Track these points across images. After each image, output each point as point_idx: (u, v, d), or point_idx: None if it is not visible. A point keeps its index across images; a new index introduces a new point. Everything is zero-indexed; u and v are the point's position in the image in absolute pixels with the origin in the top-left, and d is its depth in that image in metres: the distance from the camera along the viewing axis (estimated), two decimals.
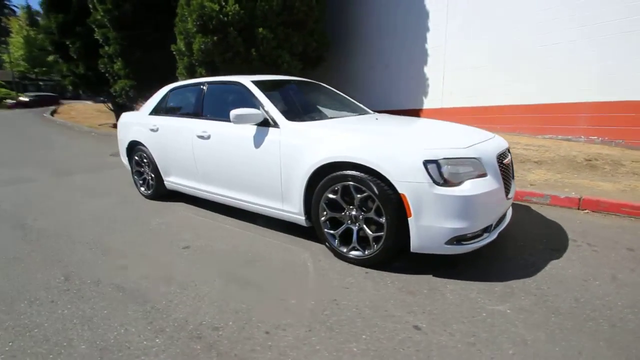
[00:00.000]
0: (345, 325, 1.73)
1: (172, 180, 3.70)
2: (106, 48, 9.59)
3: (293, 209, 2.61)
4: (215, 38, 7.04)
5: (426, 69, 7.72)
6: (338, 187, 2.29)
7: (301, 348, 1.59)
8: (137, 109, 11.81)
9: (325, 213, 2.42)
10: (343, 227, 2.37)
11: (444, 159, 2.01)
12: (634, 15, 4.78)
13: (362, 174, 2.16)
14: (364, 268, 2.28)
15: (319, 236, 2.51)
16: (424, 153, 2.02)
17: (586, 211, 3.27)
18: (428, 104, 7.80)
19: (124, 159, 4.44)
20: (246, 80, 3.05)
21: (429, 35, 7.55)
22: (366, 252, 2.26)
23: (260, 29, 7.11)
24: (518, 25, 6.02)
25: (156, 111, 3.89)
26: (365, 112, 3.43)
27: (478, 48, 6.64)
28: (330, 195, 2.34)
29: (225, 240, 2.83)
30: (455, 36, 7.05)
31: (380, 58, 8.59)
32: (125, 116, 4.39)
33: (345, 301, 1.93)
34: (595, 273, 2.18)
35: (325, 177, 2.33)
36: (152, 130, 3.75)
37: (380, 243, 2.17)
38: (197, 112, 3.35)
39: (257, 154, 2.70)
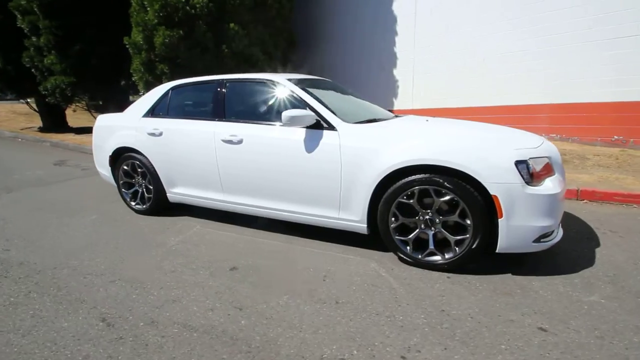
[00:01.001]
0: (476, 338, 1.64)
1: (179, 192, 3.23)
2: (33, 39, 8.11)
3: (353, 217, 2.44)
4: (181, 32, 6.40)
5: (395, 72, 7.99)
6: (415, 191, 2.20)
7: None
8: (73, 110, 10.23)
9: (394, 219, 2.30)
10: (416, 232, 2.28)
11: (531, 158, 2.06)
12: (583, 30, 5.52)
13: (444, 177, 2.10)
14: (443, 273, 2.22)
15: (387, 244, 2.38)
16: (515, 154, 2.04)
17: (585, 201, 3.67)
18: (398, 105, 8.09)
19: (102, 170, 3.76)
20: (281, 78, 2.78)
21: (397, 40, 7.83)
22: (446, 257, 2.21)
23: (232, 24, 6.66)
24: (482, 33, 6.54)
25: (153, 113, 3.35)
26: (388, 114, 3.37)
27: (445, 54, 7.07)
28: (404, 200, 2.24)
29: (272, 255, 2.55)
30: (423, 41, 7.40)
31: (348, 60, 8.67)
32: (106, 119, 3.71)
33: (454, 311, 1.85)
34: (637, 257, 2.43)
35: (396, 181, 2.23)
36: (152, 134, 3.22)
37: (464, 246, 2.14)
38: (217, 114, 2.95)
39: (310, 159, 2.47)
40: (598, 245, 2.62)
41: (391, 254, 2.50)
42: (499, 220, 2.02)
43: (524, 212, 2.00)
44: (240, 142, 2.74)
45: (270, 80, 2.81)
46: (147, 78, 7.06)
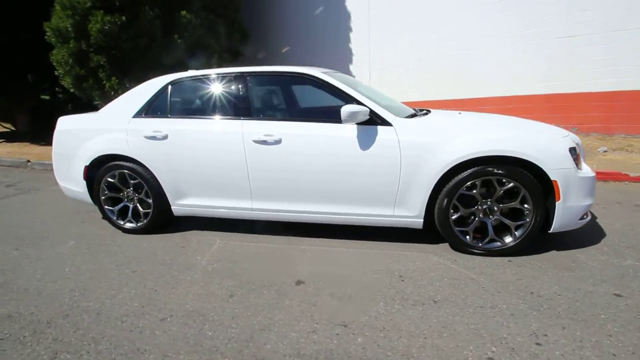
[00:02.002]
0: (578, 313, 1.76)
1: (189, 204, 2.78)
2: None
3: (409, 213, 2.41)
4: (123, 18, 5.50)
5: (352, 67, 8.13)
6: (477, 182, 2.26)
7: (602, 342, 1.55)
8: None
9: (453, 211, 2.34)
10: (475, 221, 2.36)
11: (577, 145, 2.28)
12: (530, 29, 6.28)
13: (508, 167, 2.19)
14: (504, 258, 2.34)
15: (446, 236, 2.41)
16: (567, 142, 2.23)
17: None
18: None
19: (69, 184, 3.05)
20: (315, 71, 2.57)
21: (352, 35, 7.96)
22: (506, 242, 2.33)
23: (184, 12, 5.98)
24: (439, 32, 7.02)
25: (148, 112, 2.81)
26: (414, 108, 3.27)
27: (400, 50, 7.43)
28: (466, 192, 2.29)
29: (328, 262, 2.38)
30: (378, 38, 7.65)
31: (300, 53, 8.52)
32: (74, 121, 2.99)
33: (541, 292, 1.96)
34: (629, 222, 2.89)
35: (458, 174, 2.26)
36: (151, 138, 2.70)
37: (525, 230, 2.28)
38: (242, 112, 2.61)
39: (365, 157, 2.35)
40: (595, 217, 3.06)
41: (441, 245, 2.55)
42: (557, 202, 2.21)
43: (575, 194, 2.22)
44: (277, 142, 2.47)
45: (305, 74, 2.58)
46: (78, 72, 5.93)
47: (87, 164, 2.86)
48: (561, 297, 1.91)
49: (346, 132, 2.39)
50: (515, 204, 2.27)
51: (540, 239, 2.48)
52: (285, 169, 2.51)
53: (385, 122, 2.36)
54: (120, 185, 2.89)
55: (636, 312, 1.76)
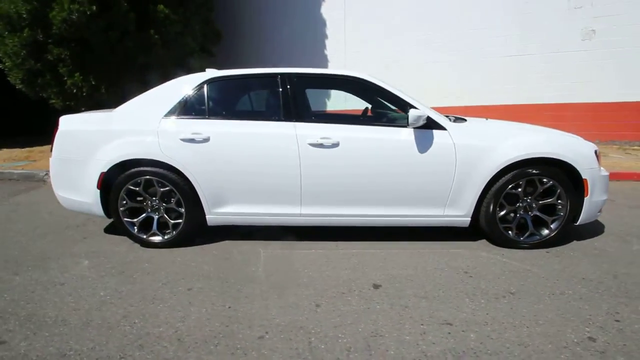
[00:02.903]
0: (638, 293, 2.03)
1: (228, 212, 2.58)
2: None
3: (458, 213, 2.55)
4: (94, 7, 4.91)
5: None
6: (521, 181, 2.48)
7: None
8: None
9: (499, 209, 2.53)
10: (517, 218, 2.57)
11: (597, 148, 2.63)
12: (488, 48, 7.00)
13: (548, 167, 2.44)
14: (541, 249, 2.58)
15: (491, 232, 2.58)
16: (593, 145, 2.55)
17: None
18: (331, 106, 8.39)
19: (75, 195, 2.64)
20: (362, 74, 2.58)
21: (328, 43, 8.09)
22: (544, 234, 2.58)
23: (161, 6, 5.54)
24: (402, 46, 7.45)
25: (181, 112, 2.55)
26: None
27: (374, 61, 7.74)
28: (511, 190, 2.50)
29: (397, 264, 2.39)
30: (353, 48, 7.86)
31: (276, 59, 8.39)
32: (85, 122, 2.60)
33: (592, 276, 2.20)
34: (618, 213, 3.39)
35: (505, 174, 2.46)
36: (189, 140, 2.45)
37: (560, 223, 2.55)
38: (292, 114, 2.50)
39: (423, 160, 2.43)
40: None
41: (478, 242, 2.73)
42: (585, 198, 2.52)
43: (597, 190, 2.55)
44: (334, 145, 2.43)
45: (350, 77, 2.60)
46: (32, 66, 5.12)
47: (105, 170, 2.50)
48: (616, 279, 2.17)
49: (404, 135, 2.45)
50: (552, 200, 2.54)
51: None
52: (342, 172, 2.48)
53: (440, 127, 2.48)
54: (144, 193, 2.58)
55: None
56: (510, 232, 2.58)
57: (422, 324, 1.77)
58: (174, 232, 2.62)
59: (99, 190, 2.56)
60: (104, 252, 2.62)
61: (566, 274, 2.25)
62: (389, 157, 2.45)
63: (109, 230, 3.07)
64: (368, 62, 7.74)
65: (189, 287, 2.13)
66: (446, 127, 2.48)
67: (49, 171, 2.79)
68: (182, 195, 2.54)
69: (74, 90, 5.31)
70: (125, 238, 2.79)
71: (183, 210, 2.57)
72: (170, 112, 2.55)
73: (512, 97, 6.95)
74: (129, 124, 2.55)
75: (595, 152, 2.57)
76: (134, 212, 2.63)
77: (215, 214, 2.61)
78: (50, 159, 2.66)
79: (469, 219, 2.58)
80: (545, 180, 2.49)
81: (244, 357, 1.55)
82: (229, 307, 1.92)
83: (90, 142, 2.54)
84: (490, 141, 2.47)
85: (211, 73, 2.62)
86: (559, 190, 2.51)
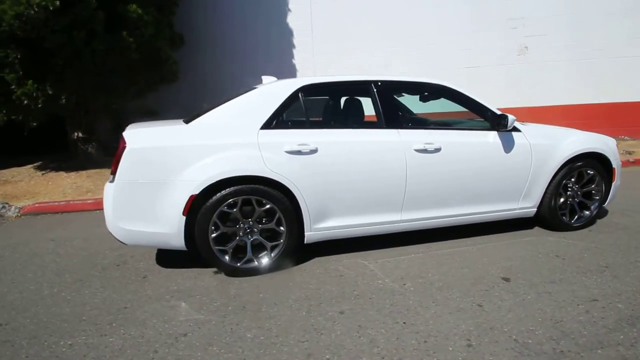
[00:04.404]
0: None
1: (329, 226, 2.43)
2: None
3: (529, 205, 2.87)
4: (57, 2, 4.05)
5: None
6: (574, 173, 2.91)
7: None
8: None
9: (557, 198, 2.92)
10: (569, 204, 3.00)
11: None
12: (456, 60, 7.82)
13: (587, 160, 2.92)
14: (584, 230, 3.04)
15: (551, 220, 2.94)
16: (614, 140, 3.12)
17: None
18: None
19: (148, 227, 2.16)
20: (445, 82, 2.72)
21: (295, 52, 8.04)
22: (586, 215, 3.04)
23: (134, 6, 4.86)
24: (373, 55, 7.87)
25: (278, 123, 2.31)
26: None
27: (343, 69, 7.99)
28: (565, 181, 2.90)
29: (499, 257, 2.55)
30: (322, 60, 7.94)
31: (238, 67, 7.99)
32: (162, 136, 2.16)
33: (631, 246, 2.70)
34: None
35: (563, 168, 2.86)
36: (296, 152, 2.24)
37: (597, 206, 3.05)
38: (391, 120, 2.49)
39: (508, 159, 2.67)
40: None
41: (536, 228, 3.09)
42: (613, 183, 3.08)
43: (618, 178, 3.15)
44: (437, 150, 2.50)
45: (442, 85, 2.73)
46: None
47: (197, 192, 2.11)
48: None
49: (491, 138, 2.66)
50: (593, 187, 3.04)
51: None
52: (442, 176, 2.56)
53: (516, 129, 2.76)
54: (239, 215, 2.25)
55: None
56: (564, 217, 3.01)
57: (578, 304, 1.97)
58: (273, 254, 2.35)
59: (184, 217, 2.15)
60: (192, 289, 2.21)
61: (615, 248, 2.71)
62: (481, 159, 2.64)
63: (161, 260, 2.59)
64: (339, 72, 7.95)
65: (339, 310, 1.95)
66: (521, 129, 2.78)
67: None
68: (283, 213, 2.30)
69: (25, 101, 4.25)
70: (192, 270, 2.41)
71: (284, 229, 2.33)
72: (267, 123, 2.29)
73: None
74: (220, 137, 2.21)
75: (615, 145, 3.18)
76: (223, 239, 2.28)
77: (316, 230, 2.43)
78: (111, 185, 2.14)
79: (536, 209, 2.92)
80: (589, 171, 2.98)
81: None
82: (404, 323, 1.84)
83: (173, 161, 2.13)
84: (553, 140, 2.86)
85: (303, 80, 2.44)
86: (597, 179, 3.02)
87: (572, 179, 2.95)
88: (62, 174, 5.01)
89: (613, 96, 7.27)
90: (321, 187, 2.35)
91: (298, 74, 8.14)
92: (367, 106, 2.64)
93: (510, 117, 2.59)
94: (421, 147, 2.49)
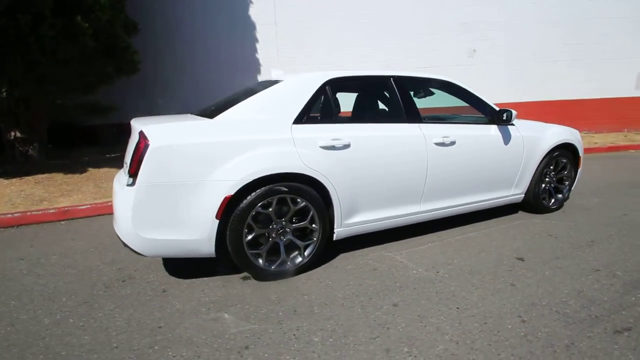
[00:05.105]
0: (637, 224, 3.03)
1: (357, 221, 2.43)
2: None
3: (519, 191, 3.18)
4: None
5: (260, 78, 7.93)
6: (552, 161, 3.28)
7: None
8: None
9: (540, 184, 3.27)
10: (548, 189, 3.37)
11: None
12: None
13: (560, 150, 3.32)
14: (558, 212, 3.46)
15: (536, 204, 3.28)
16: (577, 130, 3.58)
17: None
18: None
19: (176, 234, 1.94)
20: (449, 79, 2.86)
21: (259, 47, 7.78)
22: (560, 198, 3.46)
23: None
24: (337, 52, 7.95)
25: (308, 117, 2.21)
26: None
27: (307, 66, 7.93)
28: (546, 170, 3.26)
29: (505, 242, 2.78)
30: (286, 53, 7.80)
31: (199, 61, 7.49)
32: (185, 133, 1.91)
33: (606, 222, 3.15)
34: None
35: (546, 157, 3.21)
36: (329, 148, 2.18)
37: (570, 188, 3.48)
38: (411, 115, 2.55)
39: (506, 150, 2.92)
40: None
41: (519, 212, 3.43)
42: (579, 170, 3.54)
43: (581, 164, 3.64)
44: (452, 143, 2.63)
45: (448, 81, 2.86)
46: None
47: (232, 192, 1.94)
48: (611, 215, 3.20)
49: (493, 131, 2.88)
50: (566, 173, 3.46)
51: None
52: (457, 167, 2.71)
53: (511, 123, 3.02)
54: (274, 215, 2.12)
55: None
56: (544, 201, 3.39)
57: (587, 275, 2.24)
58: (306, 253, 2.27)
59: (217, 221, 1.97)
60: (227, 298, 2.03)
61: (594, 221, 3.16)
62: (487, 150, 2.85)
63: (173, 271, 2.35)
64: (303, 68, 7.88)
65: (392, 303, 1.96)
66: (514, 123, 3.05)
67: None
68: (317, 211, 2.23)
69: None
70: (215, 279, 2.25)
71: (317, 227, 2.26)
72: (299, 118, 2.19)
73: (429, 101, 8.41)
74: (253, 133, 2.05)
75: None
76: (255, 242, 2.14)
77: (345, 226, 2.41)
78: (132, 189, 1.85)
79: (524, 195, 3.25)
80: (563, 160, 3.39)
81: (537, 342, 1.65)
82: (457, 308, 1.91)
83: (204, 160, 1.92)
84: (538, 133, 3.19)
85: (329, 74, 2.37)
86: (568, 166, 3.46)
87: (551, 167, 3.34)
88: (2, 181, 4.21)
89: (545, 95, 8.34)
90: (353, 182, 2.32)
91: (262, 69, 7.91)
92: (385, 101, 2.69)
93: (514, 112, 2.84)
94: (440, 140, 2.60)
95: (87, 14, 4.28)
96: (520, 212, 3.48)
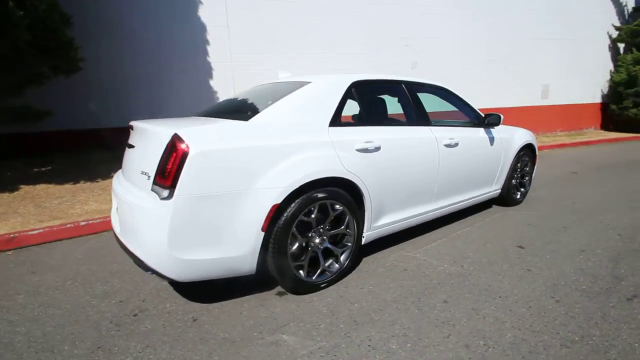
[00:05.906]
0: (590, 209, 3.60)
1: (382, 224, 2.44)
2: None
3: (498, 187, 3.55)
4: None
5: (212, 83, 7.47)
6: (520, 161, 3.71)
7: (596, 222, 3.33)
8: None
9: (511, 181, 3.68)
10: (516, 185, 3.80)
11: None
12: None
13: (526, 150, 3.79)
14: (525, 203, 3.93)
15: (509, 198, 3.68)
16: (531, 132, 4.11)
17: None
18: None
19: (216, 252, 1.73)
20: (446, 85, 3.05)
21: (210, 49, 7.32)
22: (525, 191, 3.93)
23: None
24: (293, 59, 7.90)
25: (339, 120, 2.12)
26: None
27: (262, 72, 7.71)
28: (516, 167, 3.68)
29: (499, 234, 3.05)
30: (240, 58, 7.49)
31: (142, 60, 6.74)
32: (226, 137, 1.68)
33: (568, 207, 3.67)
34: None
35: (516, 156, 3.62)
36: (363, 150, 2.14)
37: (530, 182, 3.98)
38: (422, 118, 2.67)
39: (492, 150, 3.22)
40: None
41: (493, 207, 3.82)
42: (535, 166, 4.08)
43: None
44: (456, 145, 2.81)
45: (443, 87, 3.04)
46: None
47: (280, 201, 1.76)
48: (570, 209, 3.75)
49: (481, 133, 3.16)
50: (527, 169, 3.95)
51: None
52: (459, 167, 2.90)
53: (492, 126, 3.33)
54: (314, 223, 1.99)
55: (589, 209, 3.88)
56: (514, 195, 3.82)
57: (579, 255, 2.59)
58: (342, 258, 2.19)
59: (262, 234, 1.77)
60: (275, 318, 1.84)
61: (556, 210, 3.67)
62: (480, 150, 3.11)
63: (191, 297, 2.05)
64: (257, 74, 7.63)
65: (441, 300, 2.00)
66: (494, 127, 3.39)
67: None
68: (353, 215, 2.17)
69: None
70: (245, 299, 2.04)
71: (352, 232, 2.20)
72: (333, 120, 2.10)
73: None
74: (292, 136, 1.90)
75: None
76: (298, 252, 1.98)
77: (373, 229, 2.39)
78: (167, 203, 1.55)
79: (500, 190, 3.62)
80: (526, 158, 3.87)
81: (579, 317, 1.84)
82: (500, 297, 2.04)
83: (248, 165, 1.71)
84: (510, 135, 3.59)
85: (354, 76, 2.33)
86: (529, 163, 3.96)
87: (518, 165, 3.80)
88: None
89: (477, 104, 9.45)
90: (382, 183, 2.33)
91: (214, 72, 7.47)
92: (394, 104, 2.77)
93: (501, 116, 3.16)
94: (447, 142, 2.77)
95: (22, 1, 3.55)
96: (494, 206, 3.88)
